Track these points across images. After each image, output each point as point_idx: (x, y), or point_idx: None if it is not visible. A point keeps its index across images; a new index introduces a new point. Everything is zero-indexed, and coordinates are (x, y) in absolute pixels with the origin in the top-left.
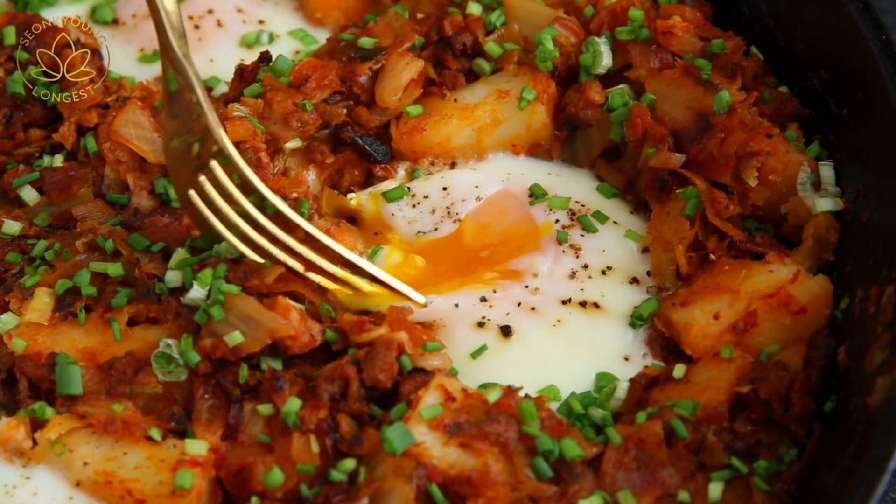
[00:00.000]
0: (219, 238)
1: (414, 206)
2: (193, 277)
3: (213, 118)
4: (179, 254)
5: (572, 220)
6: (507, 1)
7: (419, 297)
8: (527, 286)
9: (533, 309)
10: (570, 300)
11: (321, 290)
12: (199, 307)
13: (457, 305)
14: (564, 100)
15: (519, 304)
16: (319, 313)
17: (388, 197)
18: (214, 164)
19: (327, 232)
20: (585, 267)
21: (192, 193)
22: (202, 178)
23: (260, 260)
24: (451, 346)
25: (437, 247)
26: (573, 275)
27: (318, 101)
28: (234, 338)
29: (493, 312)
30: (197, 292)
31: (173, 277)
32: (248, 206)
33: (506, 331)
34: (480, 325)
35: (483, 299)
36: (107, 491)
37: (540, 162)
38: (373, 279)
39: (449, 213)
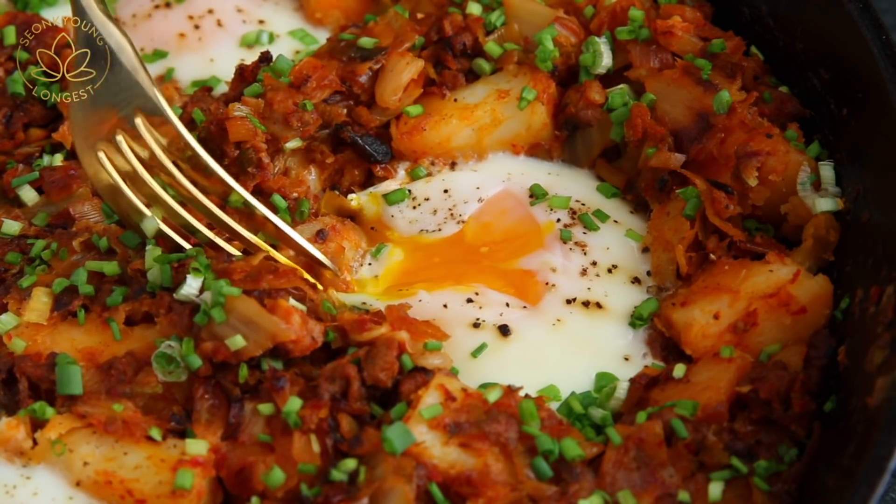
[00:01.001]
0: (122, 206)
1: (414, 207)
2: (172, 274)
3: (144, 75)
4: (152, 251)
5: (573, 218)
6: (507, 1)
7: (332, 266)
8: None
9: (524, 307)
10: (574, 300)
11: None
12: (200, 308)
13: (445, 306)
14: (564, 100)
15: (507, 305)
16: (320, 311)
17: (389, 200)
18: (139, 122)
19: (332, 229)
20: (594, 264)
21: (103, 156)
22: (119, 138)
23: (171, 234)
24: (448, 345)
25: (440, 245)
26: (584, 272)
27: (318, 101)
28: (236, 342)
29: (485, 313)
30: (190, 287)
31: (154, 276)
32: (170, 167)
33: (504, 330)
34: (476, 325)
35: (469, 300)
36: (107, 491)
37: (540, 162)
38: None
39: (452, 214)
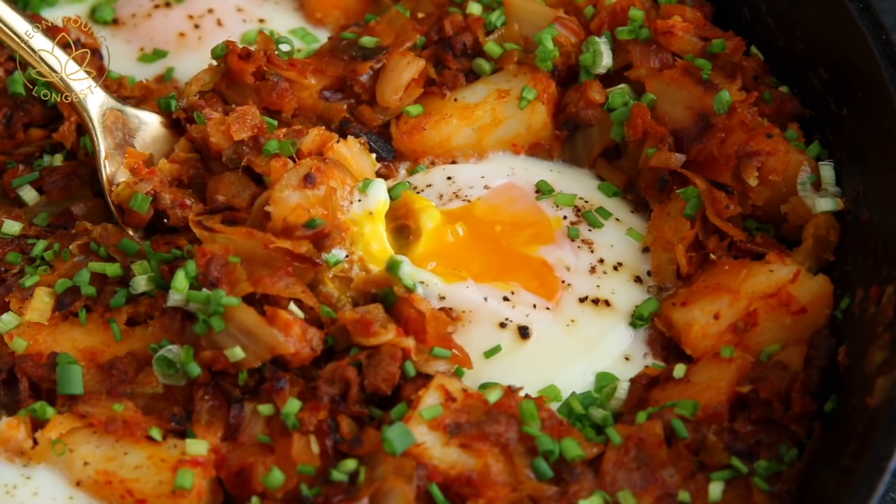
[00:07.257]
0: None
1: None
2: (158, 279)
3: None
4: (141, 266)
5: (578, 216)
6: (507, 1)
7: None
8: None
9: (548, 308)
10: (586, 298)
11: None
12: (190, 313)
13: (486, 299)
14: (565, 99)
15: (534, 306)
16: (320, 318)
17: (392, 196)
18: None
19: (318, 171)
20: (601, 261)
21: None
22: None
23: None
24: (467, 341)
25: (450, 217)
26: (593, 269)
27: (317, 91)
28: (235, 353)
29: (515, 313)
30: (177, 296)
31: (138, 283)
32: None
33: (524, 332)
34: (502, 325)
35: (505, 298)
36: (107, 491)
37: (540, 161)
38: None
39: (457, 196)
